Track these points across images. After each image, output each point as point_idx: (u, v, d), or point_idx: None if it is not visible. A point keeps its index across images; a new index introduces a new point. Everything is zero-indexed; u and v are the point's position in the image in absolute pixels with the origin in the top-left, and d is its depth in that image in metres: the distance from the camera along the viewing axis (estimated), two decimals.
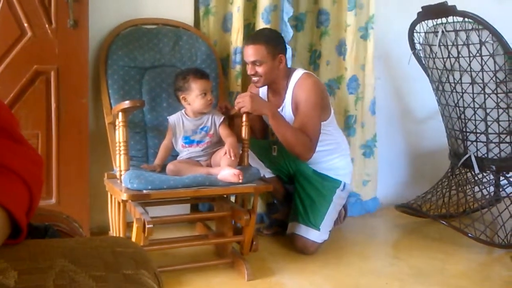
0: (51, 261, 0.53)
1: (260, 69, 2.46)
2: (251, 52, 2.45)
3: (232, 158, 2.20)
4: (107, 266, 0.57)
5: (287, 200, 2.77)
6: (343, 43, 3.04)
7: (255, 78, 2.50)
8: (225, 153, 2.22)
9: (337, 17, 3.03)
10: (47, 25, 2.33)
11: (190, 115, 2.38)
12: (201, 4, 2.81)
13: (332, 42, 3.04)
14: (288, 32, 2.80)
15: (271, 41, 2.48)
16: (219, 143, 2.37)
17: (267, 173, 2.59)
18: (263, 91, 2.66)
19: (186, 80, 2.33)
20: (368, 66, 3.09)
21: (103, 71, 2.53)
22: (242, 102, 2.30)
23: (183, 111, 2.40)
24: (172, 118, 2.40)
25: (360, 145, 3.15)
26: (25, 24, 2.30)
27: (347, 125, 3.10)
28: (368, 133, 3.16)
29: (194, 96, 2.32)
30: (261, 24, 2.83)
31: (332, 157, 2.66)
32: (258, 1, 2.83)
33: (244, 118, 2.35)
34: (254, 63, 2.46)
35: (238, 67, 2.81)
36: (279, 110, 2.53)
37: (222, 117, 2.38)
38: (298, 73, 2.55)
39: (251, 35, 2.61)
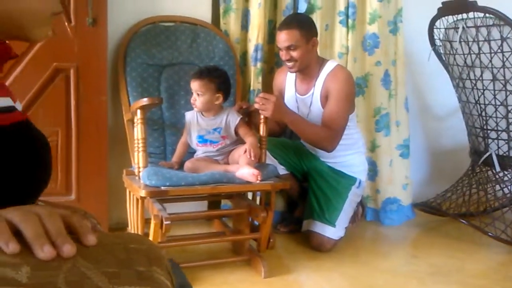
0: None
1: (295, 54, 2.46)
2: (285, 37, 2.45)
3: (252, 159, 2.20)
4: (120, 263, 0.57)
5: (302, 197, 2.76)
6: (367, 37, 2.94)
7: (289, 64, 2.50)
8: (245, 151, 2.22)
9: (361, 9, 2.94)
10: (66, 23, 2.36)
11: (204, 113, 2.38)
12: (222, 1, 2.80)
13: (357, 37, 2.95)
14: None
15: (304, 24, 2.50)
16: (235, 142, 2.36)
17: (280, 170, 2.58)
18: (291, 76, 2.66)
19: None
20: (399, 61, 3.00)
21: (122, 69, 2.55)
22: (264, 106, 2.29)
23: None
24: (188, 115, 2.40)
25: (397, 145, 3.03)
26: None
27: (382, 125, 2.97)
28: (404, 132, 3.04)
29: None
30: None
31: (348, 152, 2.65)
32: None
33: (262, 116, 2.34)
34: (288, 48, 2.46)
35: (259, 65, 2.79)
36: (307, 96, 2.59)
37: (238, 118, 2.34)
38: (331, 64, 2.57)
39: (283, 21, 2.58)
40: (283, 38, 2.46)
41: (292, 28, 2.45)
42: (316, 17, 2.86)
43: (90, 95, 2.42)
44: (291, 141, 2.80)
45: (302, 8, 2.83)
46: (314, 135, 2.47)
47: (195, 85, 2.31)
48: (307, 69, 2.55)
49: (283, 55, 2.49)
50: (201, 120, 2.36)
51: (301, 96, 2.63)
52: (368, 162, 2.91)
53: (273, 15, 2.93)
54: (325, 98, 2.53)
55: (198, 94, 2.30)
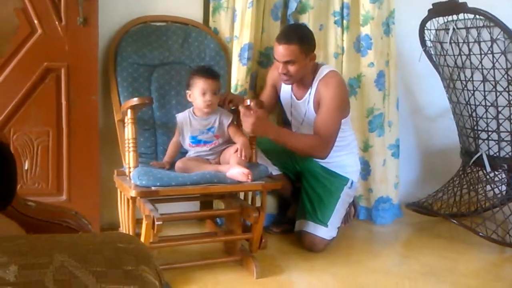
0: (52, 256, 0.53)
1: (292, 68, 2.43)
2: (284, 53, 2.40)
3: (243, 158, 2.20)
4: (108, 262, 0.57)
5: (294, 197, 2.77)
6: (360, 39, 2.93)
7: (285, 77, 2.48)
8: (236, 150, 2.22)
9: (355, 11, 2.93)
10: (57, 23, 2.35)
11: (197, 113, 2.37)
12: None
13: (351, 38, 2.95)
14: None
15: (305, 39, 2.44)
16: (228, 142, 2.36)
17: (274, 170, 2.58)
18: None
19: (192, 76, 2.34)
20: (392, 62, 3.01)
21: (113, 69, 2.54)
22: (246, 123, 2.29)
23: (191, 109, 2.40)
24: (180, 117, 2.39)
25: (389, 145, 3.05)
26: (36, 22, 2.32)
27: (376, 125, 2.97)
28: (395, 132, 3.07)
29: (196, 94, 2.31)
30: (270, 21, 2.82)
31: (341, 153, 2.66)
32: None
33: None
34: (287, 62, 2.43)
35: (249, 63, 2.77)
36: (301, 101, 2.59)
37: (231, 118, 2.36)
38: (324, 70, 2.56)
39: (283, 33, 2.49)
40: (282, 52, 2.41)
41: (292, 44, 2.39)
42: (309, 17, 2.85)
43: (81, 95, 2.41)
44: None
45: (293, 7, 2.82)
46: (304, 146, 2.46)
47: (213, 84, 2.30)
48: (302, 79, 2.55)
49: (279, 67, 2.46)
50: (194, 120, 2.36)
51: (297, 100, 2.63)
52: (361, 162, 2.92)
53: (262, 14, 2.91)
54: (317, 104, 2.53)
55: (215, 93, 2.31)
